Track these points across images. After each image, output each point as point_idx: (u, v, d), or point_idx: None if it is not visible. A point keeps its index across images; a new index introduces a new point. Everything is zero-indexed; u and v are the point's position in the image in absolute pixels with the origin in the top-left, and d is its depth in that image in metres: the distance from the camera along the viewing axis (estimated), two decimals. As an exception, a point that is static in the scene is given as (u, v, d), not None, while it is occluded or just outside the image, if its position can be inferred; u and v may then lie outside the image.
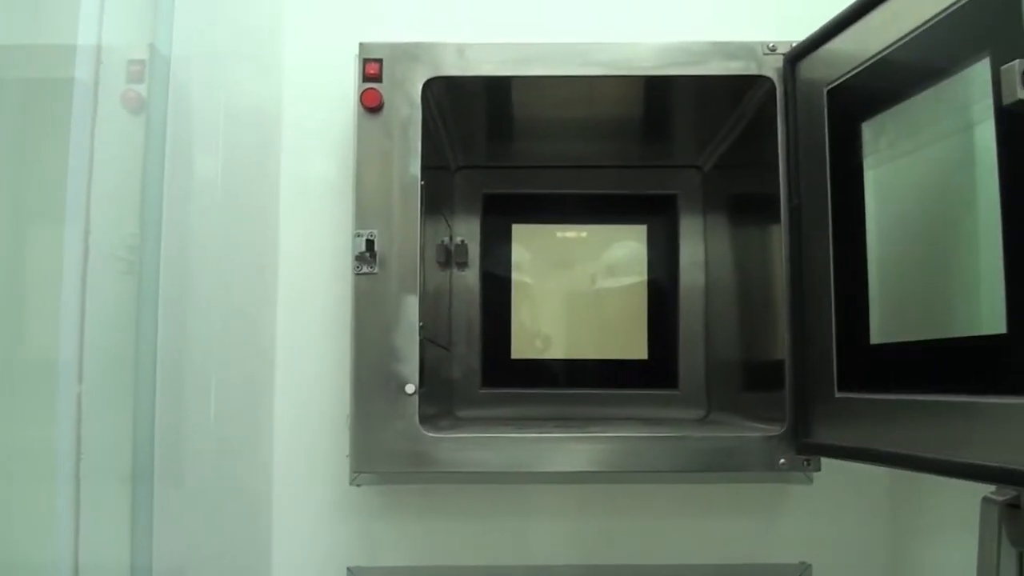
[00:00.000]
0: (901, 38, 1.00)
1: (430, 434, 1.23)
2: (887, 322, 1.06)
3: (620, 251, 1.73)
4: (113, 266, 1.07)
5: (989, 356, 0.87)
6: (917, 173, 1.05)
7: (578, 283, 1.73)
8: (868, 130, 1.08)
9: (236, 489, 1.38)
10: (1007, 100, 0.75)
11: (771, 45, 1.27)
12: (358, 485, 1.44)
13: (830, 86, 1.15)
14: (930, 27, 0.95)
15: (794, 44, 1.24)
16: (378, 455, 1.23)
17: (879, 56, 1.04)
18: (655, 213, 1.72)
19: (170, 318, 1.13)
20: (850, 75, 1.10)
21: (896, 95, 1.02)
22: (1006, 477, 0.82)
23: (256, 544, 1.46)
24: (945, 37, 0.93)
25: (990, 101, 0.83)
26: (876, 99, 1.06)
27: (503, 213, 1.72)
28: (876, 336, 1.06)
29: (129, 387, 1.07)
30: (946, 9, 0.91)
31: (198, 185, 1.24)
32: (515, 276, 1.71)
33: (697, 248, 1.71)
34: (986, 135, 0.85)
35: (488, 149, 1.75)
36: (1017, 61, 0.75)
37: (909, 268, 1.06)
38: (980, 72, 0.87)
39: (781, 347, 1.23)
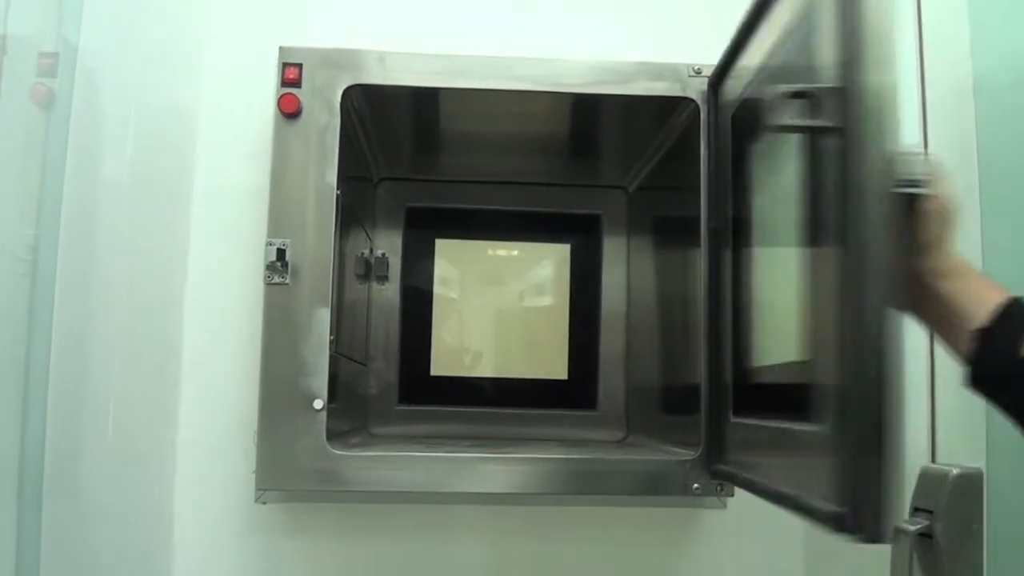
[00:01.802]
0: (764, 64, 1.02)
1: (337, 451, 1.19)
2: (767, 346, 1.06)
3: (543, 270, 1.72)
4: (11, 267, 1.03)
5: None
6: (783, 197, 1.05)
7: (500, 301, 1.72)
8: (755, 153, 1.09)
9: (136, 503, 1.33)
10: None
11: (696, 68, 1.26)
12: (264, 503, 1.39)
13: (734, 109, 1.15)
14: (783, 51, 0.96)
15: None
16: (284, 472, 1.19)
17: (755, 81, 1.06)
18: (579, 232, 1.72)
19: (67, 324, 1.10)
20: (743, 98, 1.12)
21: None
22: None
23: (156, 561, 1.41)
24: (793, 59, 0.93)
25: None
26: (757, 122, 1.06)
27: (426, 227, 1.70)
28: (757, 359, 1.06)
29: (19, 394, 1.03)
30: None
31: (104, 185, 1.20)
32: (437, 291, 1.69)
33: (620, 269, 1.71)
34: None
35: (412, 161, 1.72)
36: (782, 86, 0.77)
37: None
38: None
39: (699, 371, 1.23)
